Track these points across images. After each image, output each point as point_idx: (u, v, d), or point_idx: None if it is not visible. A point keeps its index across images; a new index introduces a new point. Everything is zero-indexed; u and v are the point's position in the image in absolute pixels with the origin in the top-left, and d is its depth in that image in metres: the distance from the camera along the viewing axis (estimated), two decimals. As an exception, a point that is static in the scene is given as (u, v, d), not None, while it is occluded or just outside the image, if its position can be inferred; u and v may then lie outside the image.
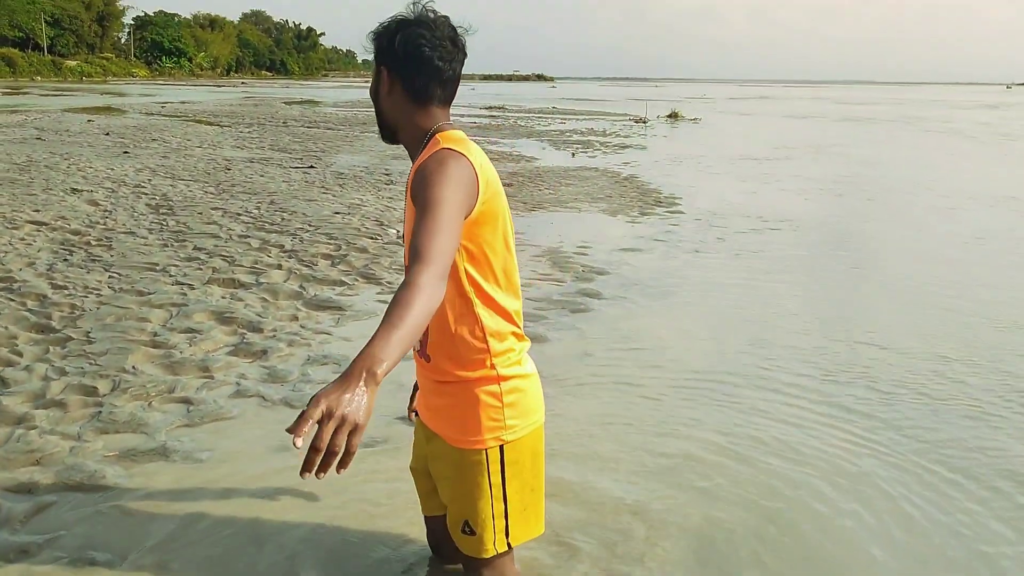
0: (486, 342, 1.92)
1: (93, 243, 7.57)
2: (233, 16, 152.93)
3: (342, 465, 1.32)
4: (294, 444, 1.25)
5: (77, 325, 5.27)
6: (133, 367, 4.59)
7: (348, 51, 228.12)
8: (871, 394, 4.49)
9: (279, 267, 6.89)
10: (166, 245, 7.58)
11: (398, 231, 8.58)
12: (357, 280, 6.61)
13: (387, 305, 1.49)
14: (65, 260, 6.89)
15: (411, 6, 1.92)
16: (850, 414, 4.21)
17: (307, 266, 6.96)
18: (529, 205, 10.66)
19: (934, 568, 2.91)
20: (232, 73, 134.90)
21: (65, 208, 9.30)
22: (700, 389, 4.54)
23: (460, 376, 1.94)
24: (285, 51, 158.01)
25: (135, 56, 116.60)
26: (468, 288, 1.88)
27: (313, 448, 1.28)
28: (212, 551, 2.85)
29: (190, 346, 4.97)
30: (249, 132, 22.15)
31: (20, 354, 4.73)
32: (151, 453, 3.59)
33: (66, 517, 3.04)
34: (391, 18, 1.92)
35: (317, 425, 1.29)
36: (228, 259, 7.09)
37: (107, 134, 19.83)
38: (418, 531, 2.84)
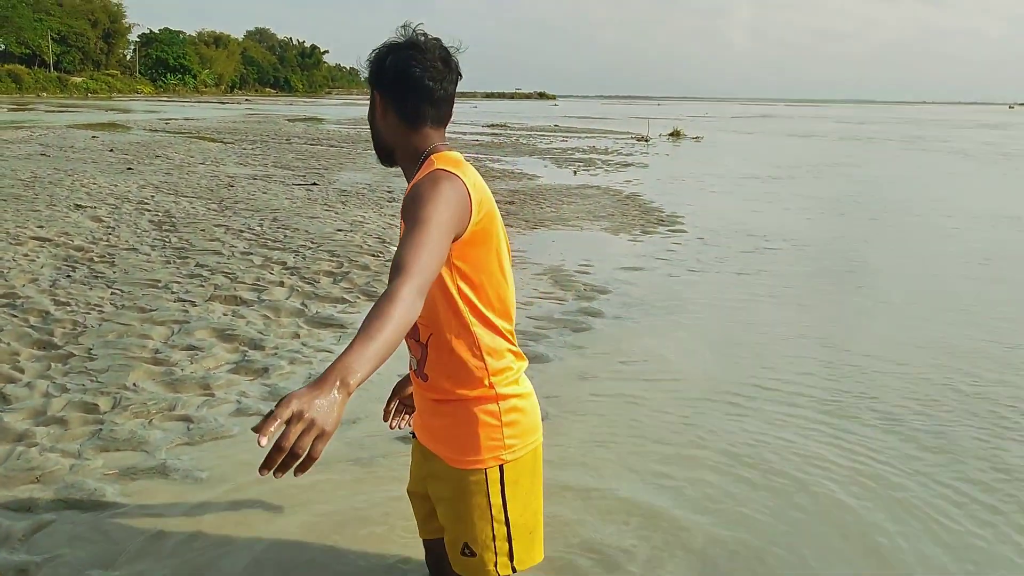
0: (483, 360, 1.92)
1: (96, 259, 7.58)
2: (238, 34, 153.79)
3: (301, 468, 1.32)
4: (259, 443, 1.25)
5: (79, 342, 5.27)
6: (134, 384, 4.59)
7: (351, 69, 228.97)
8: (876, 413, 4.47)
9: (281, 284, 6.89)
10: (168, 262, 7.60)
11: (400, 249, 8.57)
12: (359, 298, 6.61)
13: (365, 315, 1.50)
14: (68, 276, 6.90)
15: (401, 29, 1.94)
16: (854, 434, 4.20)
17: (309, 283, 6.96)
18: (531, 223, 10.68)
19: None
20: (236, 90, 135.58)
21: (69, 224, 9.33)
22: (702, 408, 4.53)
23: (458, 395, 1.93)
24: (289, 69, 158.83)
25: (140, 73, 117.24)
26: (463, 307, 1.88)
27: (277, 447, 1.27)
28: (209, 571, 2.84)
29: (191, 363, 4.97)
30: (252, 149, 22.23)
31: (22, 370, 4.73)
32: (151, 471, 3.58)
33: (65, 536, 3.03)
34: (383, 43, 1.95)
35: (285, 424, 1.28)
36: (230, 276, 7.10)
37: (111, 150, 19.91)
38: (414, 551, 2.82)
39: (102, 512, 3.21)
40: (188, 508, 3.27)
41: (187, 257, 7.82)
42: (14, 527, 3.06)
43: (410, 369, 2.05)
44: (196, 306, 6.15)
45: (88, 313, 5.86)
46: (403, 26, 1.95)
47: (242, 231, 9.31)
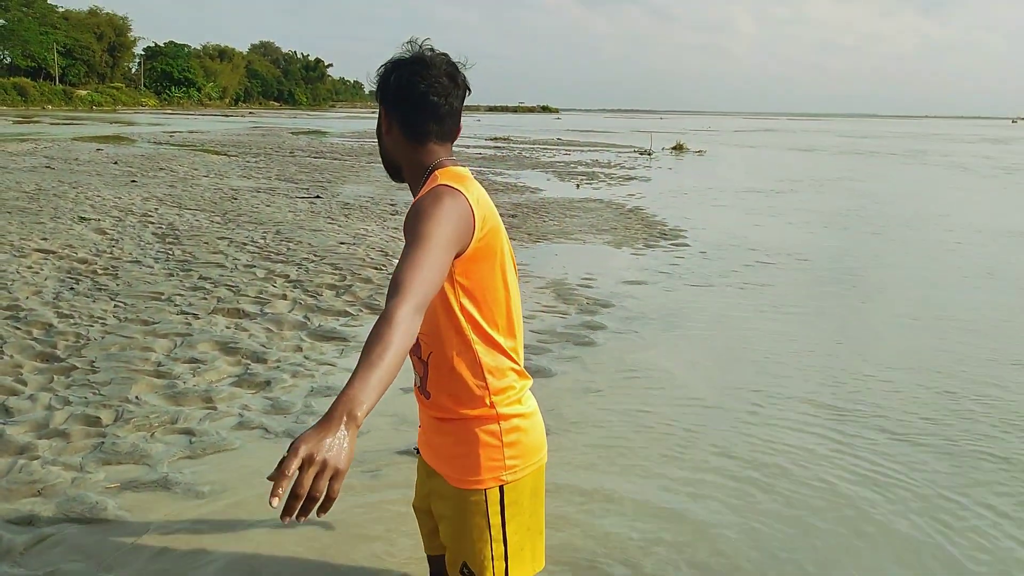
0: (484, 379, 1.89)
1: (100, 272, 7.60)
2: (242, 47, 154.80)
3: (322, 509, 1.31)
4: (270, 504, 1.23)
5: (82, 354, 5.27)
6: (136, 397, 4.59)
7: (355, 82, 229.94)
8: (880, 427, 4.46)
9: (284, 297, 6.90)
10: (172, 274, 7.61)
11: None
12: (361, 311, 6.61)
13: (365, 341, 1.49)
14: (72, 289, 6.91)
15: (406, 45, 1.93)
16: (858, 448, 4.18)
17: (312, 296, 6.97)
18: (534, 236, 10.69)
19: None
20: (240, 103, 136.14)
21: (73, 237, 9.35)
22: (705, 421, 4.52)
23: (459, 414, 1.91)
24: (293, 82, 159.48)
25: (145, 86, 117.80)
26: (465, 325, 1.86)
27: (293, 494, 1.26)
28: (212, 585, 2.83)
29: (194, 376, 4.97)
30: (256, 162, 22.30)
31: (24, 383, 4.73)
32: (152, 485, 3.57)
33: (66, 550, 3.02)
34: (389, 59, 1.95)
35: (298, 472, 1.27)
36: (233, 289, 7.11)
37: (115, 163, 19.98)
38: (415, 566, 2.81)
39: (103, 526, 3.20)
40: (189, 522, 3.26)
41: (190, 270, 7.83)
42: (15, 541, 3.05)
43: (414, 385, 2.04)
44: (199, 319, 6.15)
45: (91, 326, 5.87)
46: (409, 41, 1.94)
47: (245, 244, 9.32)
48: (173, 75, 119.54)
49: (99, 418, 4.26)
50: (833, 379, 5.31)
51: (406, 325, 1.50)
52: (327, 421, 1.34)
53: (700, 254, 9.79)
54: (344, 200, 14.03)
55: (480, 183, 1.96)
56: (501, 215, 1.98)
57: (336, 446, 1.31)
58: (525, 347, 2.07)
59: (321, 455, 1.29)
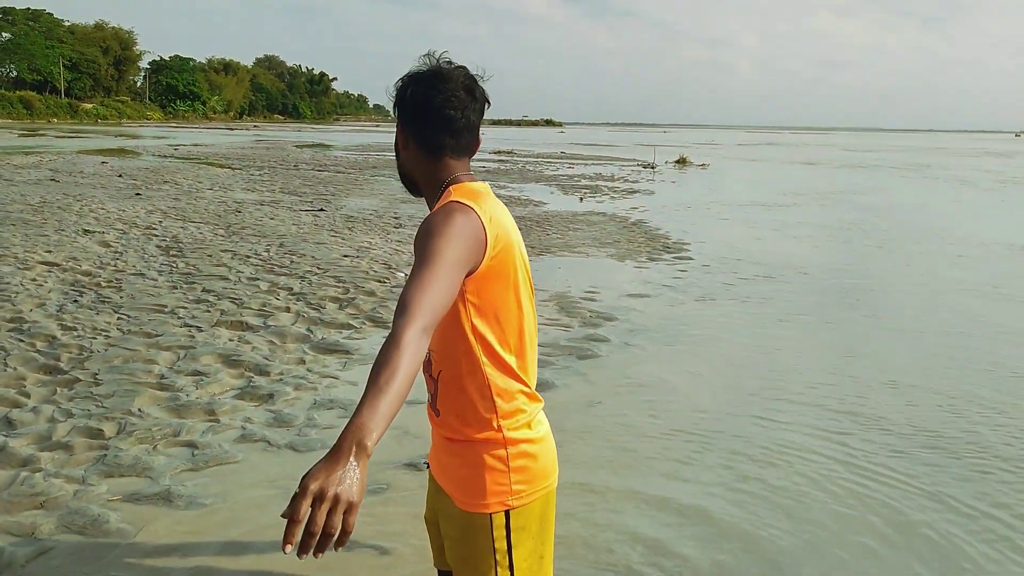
0: (493, 401, 1.85)
1: (103, 284, 7.61)
2: (247, 61, 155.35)
3: (339, 544, 1.28)
4: (283, 550, 1.21)
5: (85, 367, 5.27)
6: (139, 410, 4.59)
7: (360, 95, 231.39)
8: (884, 440, 4.44)
9: (287, 310, 6.90)
10: (175, 287, 7.62)
11: (406, 274, 8.60)
12: (364, 324, 6.61)
13: (372, 365, 1.46)
14: (75, 301, 6.93)
15: (423, 59, 1.90)
16: (861, 461, 4.17)
17: (315, 309, 6.97)
18: (537, 249, 10.70)
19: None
20: (245, 116, 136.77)
21: (77, 249, 9.37)
22: (709, 434, 4.50)
23: (466, 435, 1.87)
24: (297, 95, 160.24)
25: (150, 99, 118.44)
26: (475, 345, 1.82)
27: (307, 532, 1.24)
28: (214, 599, 2.82)
29: (196, 389, 4.97)
30: (260, 175, 22.36)
31: (27, 395, 4.73)
32: (154, 497, 3.57)
33: (67, 563, 3.01)
34: (406, 73, 1.91)
35: (310, 508, 1.25)
36: (236, 301, 7.11)
37: (120, 176, 20.05)
38: (422, 581, 2.80)
39: (105, 539, 3.19)
40: (191, 535, 3.25)
41: (194, 282, 7.84)
42: (16, 553, 3.05)
43: (427, 402, 2.00)
44: (202, 331, 6.16)
45: (94, 338, 5.87)
46: (426, 55, 1.90)
47: (249, 256, 9.34)
48: (178, 88, 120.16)
49: (102, 431, 4.26)
50: (837, 391, 5.29)
51: (414, 347, 1.47)
52: (336, 452, 1.31)
53: (703, 267, 9.78)
54: (348, 213, 14.06)
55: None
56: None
57: (348, 479, 1.28)
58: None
59: (332, 490, 1.26)
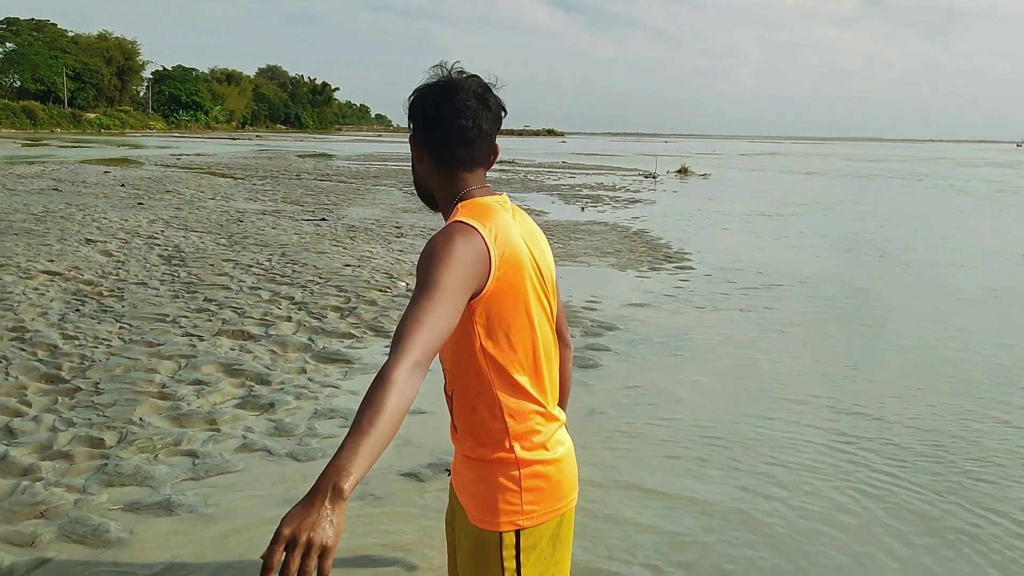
0: (504, 422, 1.81)
1: (105, 293, 7.62)
2: (249, 71, 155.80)
3: None
4: None
5: (86, 376, 5.28)
6: (140, 419, 4.59)
7: (362, 105, 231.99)
8: (885, 450, 4.44)
9: (289, 319, 6.91)
10: (177, 296, 7.63)
11: (407, 284, 8.61)
12: (366, 333, 6.61)
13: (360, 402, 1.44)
14: (77, 310, 6.93)
15: (434, 69, 1.86)
16: (864, 471, 4.16)
17: (316, 318, 6.98)
18: (539, 259, 10.68)
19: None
20: (247, 126, 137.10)
21: (79, 259, 9.39)
22: (710, 443, 4.50)
23: (481, 455, 1.85)
24: (300, 105, 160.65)
25: (153, 109, 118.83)
26: (485, 367, 1.79)
27: None
28: (214, 609, 2.81)
29: (198, 398, 4.97)
30: (262, 184, 22.41)
31: (29, 404, 4.74)
32: (155, 507, 3.56)
33: (67, 573, 3.01)
34: (419, 84, 1.87)
35: (284, 554, 1.25)
36: (238, 311, 7.12)
37: (122, 185, 20.10)
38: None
39: (105, 548, 3.19)
40: (192, 544, 3.25)
41: (195, 292, 7.85)
42: (17, 563, 3.05)
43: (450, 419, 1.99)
44: (203, 340, 6.16)
45: (96, 347, 5.88)
46: (438, 65, 1.86)
47: (250, 266, 9.35)
48: (181, 98, 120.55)
49: (103, 440, 4.26)
50: (839, 401, 5.29)
51: (402, 384, 1.44)
52: (312, 496, 1.31)
53: (705, 277, 9.79)
54: (350, 222, 14.08)
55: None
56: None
57: (321, 523, 1.28)
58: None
59: (305, 535, 1.26)
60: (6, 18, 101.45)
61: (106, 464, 3.97)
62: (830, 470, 4.20)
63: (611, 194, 22.43)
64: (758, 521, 3.62)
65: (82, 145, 49.76)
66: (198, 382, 5.25)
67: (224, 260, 9.68)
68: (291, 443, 4.35)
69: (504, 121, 1.94)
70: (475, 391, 1.82)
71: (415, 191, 1.97)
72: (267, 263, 9.59)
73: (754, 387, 5.61)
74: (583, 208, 18.31)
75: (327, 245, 11.25)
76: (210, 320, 6.76)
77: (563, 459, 1.91)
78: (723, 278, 9.71)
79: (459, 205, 1.81)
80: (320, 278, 8.73)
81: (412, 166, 1.94)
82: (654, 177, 30.46)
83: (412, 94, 1.88)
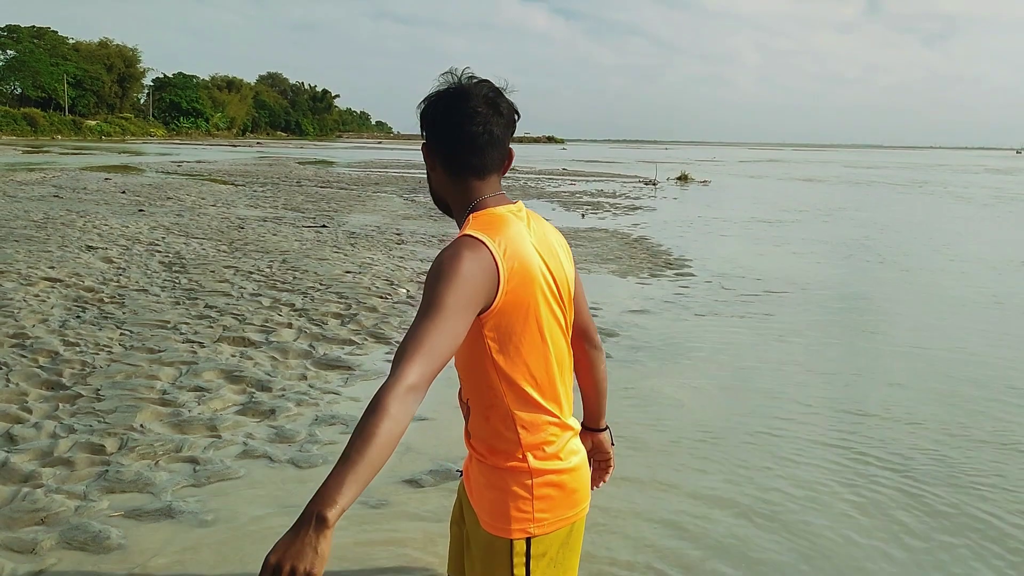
0: (517, 433, 1.81)
1: (106, 300, 7.62)
2: (250, 78, 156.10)
3: None
4: None
5: (87, 382, 5.28)
6: (141, 425, 4.59)
7: (362, 112, 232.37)
8: (885, 457, 4.43)
9: (289, 326, 6.91)
10: (178, 303, 7.63)
11: (408, 290, 8.62)
12: (367, 340, 6.61)
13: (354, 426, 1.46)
14: (78, 317, 6.94)
15: (444, 76, 1.85)
16: (863, 477, 4.16)
17: (317, 325, 6.98)
18: (539, 266, 10.69)
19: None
20: (248, 133, 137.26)
21: (80, 265, 9.39)
22: (711, 450, 4.49)
23: (494, 463, 1.85)
24: (300, 112, 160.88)
25: (153, 116, 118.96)
26: (497, 380, 1.79)
27: None
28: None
29: (198, 405, 4.97)
30: (263, 191, 22.43)
31: (29, 411, 4.74)
32: (156, 513, 3.56)
33: (68, 579, 3.01)
34: (430, 92, 1.85)
35: None
36: (239, 317, 7.12)
37: (123, 192, 20.12)
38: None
39: (106, 555, 3.19)
40: (193, 551, 3.24)
41: (196, 298, 7.85)
42: (17, 570, 3.04)
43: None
44: (204, 347, 6.16)
45: (97, 354, 5.88)
46: (448, 72, 1.84)
47: (251, 273, 9.36)
48: (181, 106, 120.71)
49: (103, 446, 4.26)
50: (840, 407, 5.29)
51: (394, 411, 1.45)
52: (298, 525, 1.35)
53: (705, 283, 9.79)
54: (350, 229, 14.09)
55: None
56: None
57: (306, 552, 1.32)
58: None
59: (289, 563, 1.30)
60: (7, 25, 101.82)
61: (107, 471, 3.97)
62: (832, 473, 4.20)
63: (611, 201, 22.45)
64: (760, 526, 3.62)
65: (83, 152, 49.84)
66: (199, 389, 5.25)
67: (225, 267, 9.68)
68: (292, 450, 4.35)
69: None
70: (488, 402, 1.82)
71: (431, 200, 1.96)
72: (268, 270, 9.59)
73: (755, 393, 5.61)
74: (583, 215, 18.33)
75: (328, 252, 11.25)
76: (211, 327, 6.76)
77: (577, 468, 1.91)
78: (723, 285, 9.71)
79: (470, 216, 1.80)
80: (321, 285, 8.73)
81: (427, 175, 1.92)
82: (654, 184, 30.49)
83: (423, 102, 1.85)
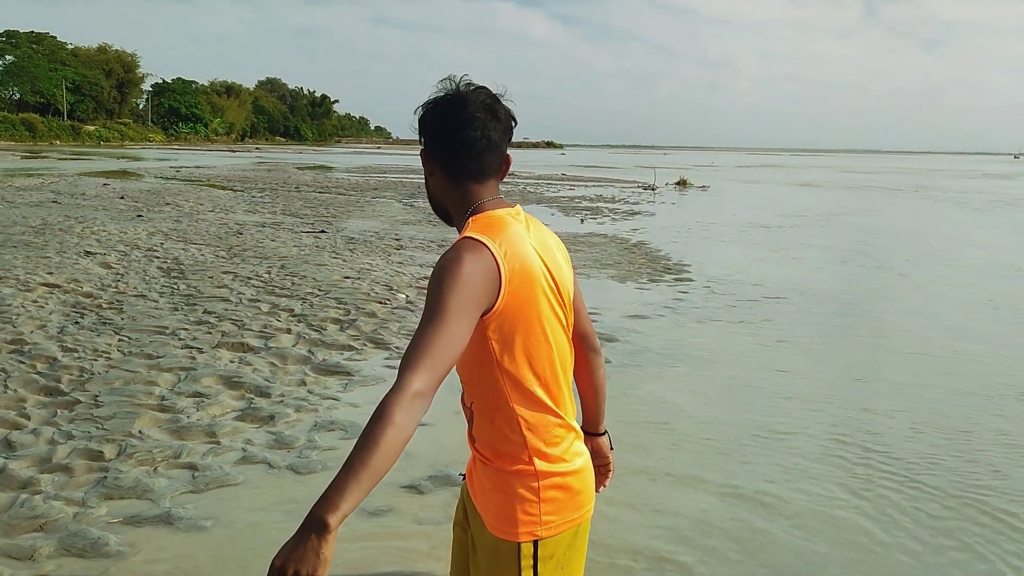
0: (523, 435, 1.81)
1: (104, 306, 7.62)
2: (249, 83, 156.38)
3: None
4: None
5: (86, 388, 5.27)
6: (140, 431, 4.58)
7: (361, 117, 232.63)
8: (885, 462, 4.43)
9: (288, 331, 6.90)
10: (176, 309, 7.63)
11: (407, 296, 8.61)
12: (366, 345, 6.61)
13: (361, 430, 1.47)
14: (76, 323, 6.93)
15: (443, 83, 1.87)
16: (862, 480, 4.15)
17: (316, 331, 6.97)
18: (538, 271, 10.69)
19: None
20: (247, 139, 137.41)
21: (78, 271, 9.39)
22: (710, 454, 4.49)
23: (499, 466, 1.85)
24: (299, 118, 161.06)
25: (152, 121, 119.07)
26: (502, 381, 1.79)
27: None
28: (213, 623, 2.80)
29: (197, 411, 4.96)
30: (262, 197, 22.44)
31: (28, 417, 4.73)
32: (155, 520, 3.55)
33: (67, 586, 3.00)
34: (427, 99, 1.87)
35: None
36: (237, 323, 7.12)
37: (122, 198, 20.12)
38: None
39: (105, 561, 3.18)
40: (191, 557, 3.23)
41: (195, 304, 7.85)
42: (16, 577, 3.03)
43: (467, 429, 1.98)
44: (203, 353, 6.16)
45: (95, 360, 5.87)
46: (446, 79, 1.86)
47: (250, 278, 9.35)
48: (180, 111, 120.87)
49: (102, 452, 4.25)
50: (839, 412, 5.28)
51: (399, 419, 1.47)
52: (301, 530, 1.38)
53: (704, 289, 9.79)
54: (349, 235, 14.09)
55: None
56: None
57: (309, 557, 1.35)
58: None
59: (293, 567, 1.34)
60: (6, 31, 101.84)
61: (105, 477, 3.96)
62: (832, 474, 4.20)
63: (610, 206, 22.47)
64: (760, 527, 3.62)
65: (81, 157, 49.85)
66: (198, 394, 5.24)
67: (223, 272, 9.67)
68: (291, 456, 4.34)
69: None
70: (493, 405, 1.82)
71: (430, 206, 1.97)
72: (266, 275, 9.59)
73: (754, 397, 5.60)
74: (582, 220, 18.35)
75: (326, 257, 11.25)
76: (209, 332, 6.76)
77: (582, 469, 1.92)
78: (722, 290, 9.71)
79: (470, 219, 1.81)
80: (320, 290, 8.73)
81: (425, 181, 1.94)
82: (653, 189, 30.52)
83: (421, 108, 1.88)
